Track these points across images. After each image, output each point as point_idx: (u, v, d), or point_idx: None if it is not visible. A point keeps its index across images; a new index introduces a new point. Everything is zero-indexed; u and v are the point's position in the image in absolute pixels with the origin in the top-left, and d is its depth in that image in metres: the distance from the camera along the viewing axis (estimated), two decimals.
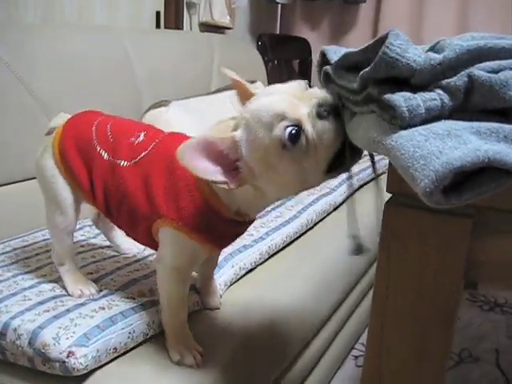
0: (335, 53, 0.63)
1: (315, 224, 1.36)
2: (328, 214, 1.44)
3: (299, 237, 1.27)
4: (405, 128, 0.48)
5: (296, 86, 0.65)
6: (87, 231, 1.15)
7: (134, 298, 0.84)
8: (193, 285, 0.90)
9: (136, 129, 0.83)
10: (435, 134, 0.45)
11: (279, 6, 2.62)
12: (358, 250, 0.66)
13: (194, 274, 0.90)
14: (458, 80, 0.51)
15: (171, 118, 1.43)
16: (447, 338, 0.54)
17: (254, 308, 0.96)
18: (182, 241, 0.74)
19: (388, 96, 0.50)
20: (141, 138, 0.81)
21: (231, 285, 0.99)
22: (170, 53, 1.75)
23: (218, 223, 0.73)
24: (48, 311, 0.77)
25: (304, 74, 2.57)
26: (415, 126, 0.48)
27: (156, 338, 0.81)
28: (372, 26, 2.43)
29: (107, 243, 1.09)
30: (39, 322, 0.74)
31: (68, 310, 0.78)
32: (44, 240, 1.08)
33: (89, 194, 0.83)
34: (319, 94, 0.62)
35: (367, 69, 0.54)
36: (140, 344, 0.79)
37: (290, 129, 0.60)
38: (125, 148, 0.80)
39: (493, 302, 1.94)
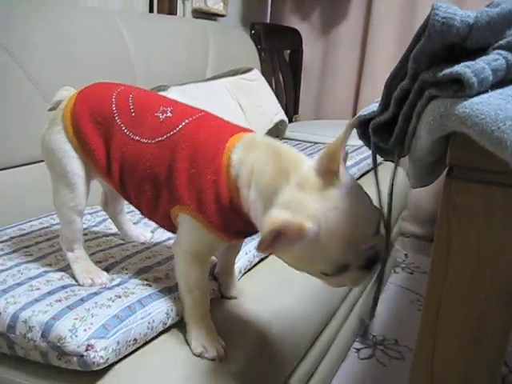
0: (370, 108, 0.60)
1: None
2: None
3: None
4: (475, 96, 0.44)
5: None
6: (88, 219, 1.09)
7: (150, 285, 0.79)
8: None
9: (162, 103, 0.77)
10: None
11: None
12: (365, 334, 0.73)
13: (213, 258, 0.86)
14: None
15: None
16: (507, 320, 0.51)
17: (269, 300, 0.91)
18: (201, 230, 0.71)
19: (449, 70, 0.47)
20: (168, 113, 0.75)
21: (245, 272, 0.95)
22: (165, 37, 1.69)
23: (238, 221, 0.71)
24: (60, 301, 0.71)
25: (295, 64, 2.53)
26: (485, 92, 0.45)
27: (175, 328, 0.76)
28: (363, 19, 2.40)
29: (111, 231, 1.03)
30: (52, 312, 0.68)
31: (82, 300, 0.72)
32: (43, 228, 1.02)
33: (104, 170, 0.78)
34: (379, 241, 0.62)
35: (419, 44, 0.50)
36: (159, 335, 0.74)
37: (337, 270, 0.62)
38: (149, 124, 0.74)
39: None
